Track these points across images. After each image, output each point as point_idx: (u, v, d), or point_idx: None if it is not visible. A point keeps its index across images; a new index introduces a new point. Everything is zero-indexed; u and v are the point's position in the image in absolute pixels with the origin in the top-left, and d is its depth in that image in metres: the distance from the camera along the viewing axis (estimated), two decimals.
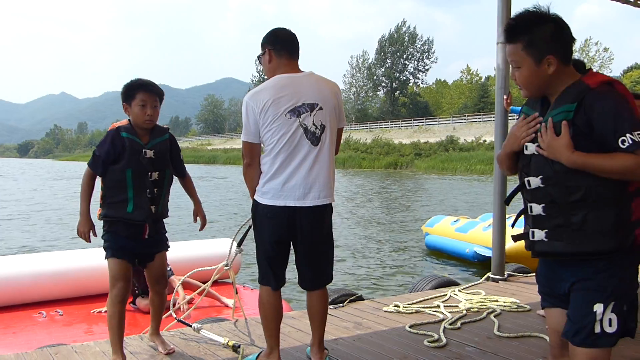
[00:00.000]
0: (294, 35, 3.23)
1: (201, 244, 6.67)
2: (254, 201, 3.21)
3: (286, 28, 3.27)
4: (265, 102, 3.04)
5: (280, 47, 3.18)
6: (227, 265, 4.21)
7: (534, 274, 5.98)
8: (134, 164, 3.25)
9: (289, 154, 3.08)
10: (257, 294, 3.40)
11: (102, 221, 3.38)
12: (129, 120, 3.38)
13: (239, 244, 4.07)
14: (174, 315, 4.26)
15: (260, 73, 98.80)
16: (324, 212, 3.17)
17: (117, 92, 3.62)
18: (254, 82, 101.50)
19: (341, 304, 4.71)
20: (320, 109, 3.10)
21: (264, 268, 3.25)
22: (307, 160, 3.08)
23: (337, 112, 3.21)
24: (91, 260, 5.69)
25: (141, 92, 3.32)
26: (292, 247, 3.24)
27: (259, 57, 3.27)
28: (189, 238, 11.61)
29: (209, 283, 4.36)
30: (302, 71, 3.20)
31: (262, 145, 3.17)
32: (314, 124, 3.07)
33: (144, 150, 3.29)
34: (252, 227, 3.34)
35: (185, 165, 3.62)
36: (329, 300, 4.69)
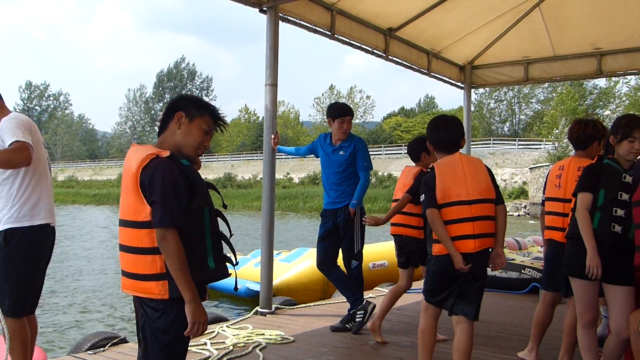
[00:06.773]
0: None
1: None
2: None
3: None
4: None
5: None
6: None
7: (299, 306, 6.27)
8: None
9: None
10: None
11: None
12: None
13: None
14: None
15: (24, 101, 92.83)
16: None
17: None
18: (18, 110, 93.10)
19: (102, 348, 4.40)
20: None
21: None
22: None
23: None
24: None
25: None
26: None
27: None
28: None
29: None
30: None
31: None
32: None
33: None
34: None
35: None
36: (89, 344, 4.39)
